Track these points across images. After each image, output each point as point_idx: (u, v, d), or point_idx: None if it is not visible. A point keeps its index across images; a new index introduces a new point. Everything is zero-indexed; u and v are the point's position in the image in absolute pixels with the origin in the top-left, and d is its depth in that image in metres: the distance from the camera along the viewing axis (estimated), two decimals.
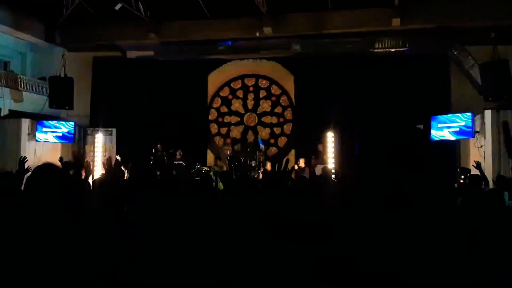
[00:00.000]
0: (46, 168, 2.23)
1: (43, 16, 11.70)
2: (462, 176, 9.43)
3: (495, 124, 9.68)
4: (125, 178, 10.84)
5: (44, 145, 12.13)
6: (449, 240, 1.24)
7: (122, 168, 11.64)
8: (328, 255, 1.47)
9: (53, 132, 12.21)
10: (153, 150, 12.21)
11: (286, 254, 2.19)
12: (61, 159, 7.25)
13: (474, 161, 7.60)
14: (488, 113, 9.87)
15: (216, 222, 2.57)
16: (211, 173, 11.42)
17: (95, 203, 3.48)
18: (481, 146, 10.14)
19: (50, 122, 12.27)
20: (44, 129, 12.14)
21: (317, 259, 1.67)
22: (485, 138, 10.00)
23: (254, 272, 2.16)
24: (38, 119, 12.20)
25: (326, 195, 3.62)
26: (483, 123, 10.05)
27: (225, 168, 11.83)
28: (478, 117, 10.34)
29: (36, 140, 11.97)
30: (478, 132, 10.30)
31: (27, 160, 4.53)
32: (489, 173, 9.51)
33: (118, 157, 11.95)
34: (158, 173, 10.85)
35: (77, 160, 7.42)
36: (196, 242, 2.41)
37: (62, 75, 11.98)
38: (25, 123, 11.86)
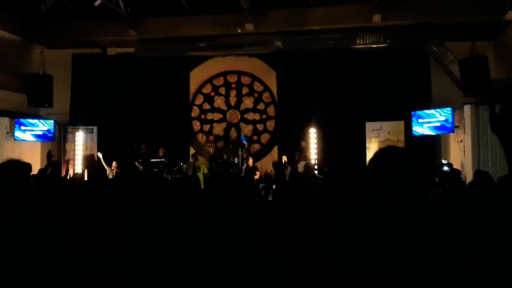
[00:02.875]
0: (11, 165, 2.15)
1: (20, 12, 11.46)
2: (446, 168, 9.58)
3: (475, 119, 9.84)
4: (107, 176, 10.75)
5: (24, 143, 11.89)
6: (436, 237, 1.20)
7: (105, 166, 11.53)
8: (311, 263, 1.44)
9: (32, 130, 12.00)
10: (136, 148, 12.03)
11: (271, 261, 2.16)
12: (49, 153, 7.06)
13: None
14: (467, 108, 10.00)
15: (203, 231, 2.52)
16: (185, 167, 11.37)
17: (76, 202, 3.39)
18: (461, 141, 10.28)
19: (29, 120, 12.03)
20: (22, 127, 11.88)
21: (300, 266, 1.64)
22: (464, 132, 10.14)
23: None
24: (16, 117, 11.92)
25: (308, 196, 3.58)
26: (462, 118, 10.18)
27: (206, 165, 11.82)
28: (457, 112, 10.47)
29: (15, 139, 11.72)
30: (458, 127, 10.43)
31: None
32: (468, 167, 9.68)
33: (100, 154, 11.81)
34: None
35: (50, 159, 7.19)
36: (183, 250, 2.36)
37: (41, 73, 11.77)
38: (3, 121, 11.60)
